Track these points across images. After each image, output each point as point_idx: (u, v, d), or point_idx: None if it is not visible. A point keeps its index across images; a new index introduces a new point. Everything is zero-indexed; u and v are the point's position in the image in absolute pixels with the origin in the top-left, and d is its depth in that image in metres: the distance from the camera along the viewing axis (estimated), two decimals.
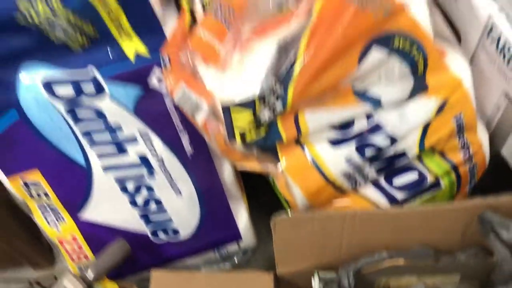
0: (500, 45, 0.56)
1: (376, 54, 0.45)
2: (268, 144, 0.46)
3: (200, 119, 0.44)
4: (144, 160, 0.59)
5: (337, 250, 0.54)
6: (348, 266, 0.53)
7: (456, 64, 0.52)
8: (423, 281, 0.53)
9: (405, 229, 0.52)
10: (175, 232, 0.67)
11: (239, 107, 0.41)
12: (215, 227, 0.68)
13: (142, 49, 0.51)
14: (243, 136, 0.44)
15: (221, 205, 0.66)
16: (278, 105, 0.43)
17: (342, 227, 0.51)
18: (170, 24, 0.50)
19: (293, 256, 0.57)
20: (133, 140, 0.57)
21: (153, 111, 0.55)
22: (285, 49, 0.44)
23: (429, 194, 0.59)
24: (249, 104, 0.41)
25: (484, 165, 0.60)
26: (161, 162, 0.59)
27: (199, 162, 0.60)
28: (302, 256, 0.57)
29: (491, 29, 0.57)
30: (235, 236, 0.70)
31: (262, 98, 0.42)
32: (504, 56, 0.56)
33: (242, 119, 0.42)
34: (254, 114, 0.42)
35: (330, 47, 0.42)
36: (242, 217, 0.69)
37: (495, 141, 0.65)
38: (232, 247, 0.72)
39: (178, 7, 0.51)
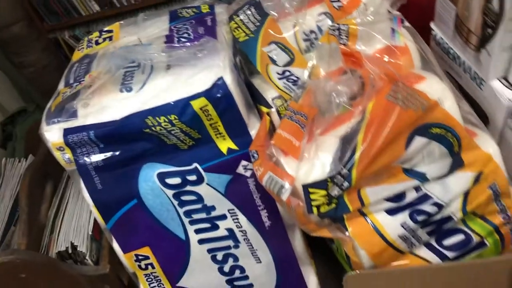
0: None
1: (419, 141, 0.58)
2: (337, 214, 0.58)
3: (284, 197, 0.57)
4: (231, 233, 0.72)
5: None
6: None
7: (485, 143, 0.64)
8: None
9: (456, 284, 0.61)
10: None
11: (315, 187, 0.54)
12: None
13: (233, 145, 0.65)
14: (318, 209, 0.57)
15: (294, 270, 0.77)
16: (345, 184, 0.56)
17: (403, 284, 0.61)
18: (254, 127, 0.65)
19: None
20: (224, 217, 0.70)
21: (239, 193, 0.68)
22: (347, 141, 0.57)
23: (476, 252, 0.68)
24: (323, 184, 0.54)
25: None
26: (245, 234, 0.72)
27: (275, 233, 0.72)
28: None
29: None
30: None
31: (332, 179, 0.55)
32: None
33: (317, 196, 0.55)
34: (327, 191, 0.55)
35: (381, 139, 0.55)
36: (312, 281, 0.79)
37: None
38: None
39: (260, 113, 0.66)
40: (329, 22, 0.71)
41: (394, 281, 0.60)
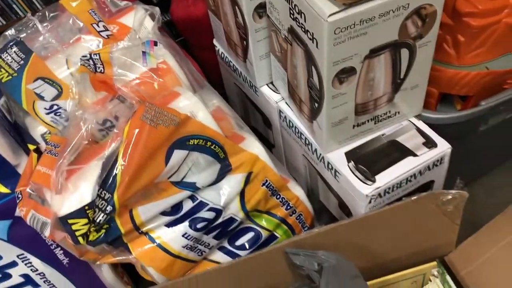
0: (289, 124, 0.76)
1: (179, 154, 0.61)
2: (108, 239, 0.59)
3: (46, 233, 0.57)
4: (28, 279, 0.69)
5: None
6: None
7: (252, 144, 0.69)
8: None
9: (244, 279, 0.65)
10: None
11: (73, 217, 0.55)
12: None
13: (4, 189, 0.63)
14: (86, 238, 0.57)
15: None
16: (109, 208, 0.57)
17: None
18: (23, 165, 0.64)
19: None
20: (14, 264, 0.67)
21: (24, 236, 0.66)
22: (107, 165, 0.58)
23: (271, 246, 0.73)
24: (81, 213, 0.55)
25: (309, 212, 0.76)
26: (43, 276, 0.70)
27: (76, 269, 0.71)
28: None
29: (280, 114, 0.77)
30: None
31: (92, 205, 0.56)
32: (294, 131, 0.75)
33: (79, 225, 0.55)
34: (88, 219, 0.56)
35: (138, 158, 0.57)
36: None
37: (314, 191, 0.82)
38: None
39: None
40: None
41: None
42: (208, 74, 0.85)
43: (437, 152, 0.65)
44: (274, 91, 0.78)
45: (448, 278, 0.67)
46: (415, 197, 0.61)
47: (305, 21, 0.55)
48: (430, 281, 0.69)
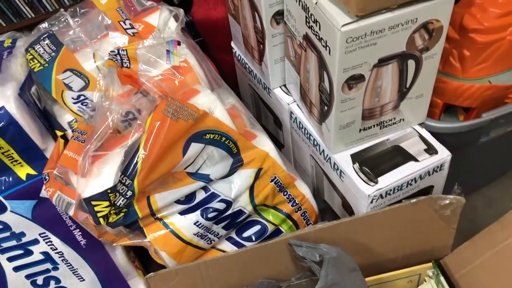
0: (299, 125, 0.80)
1: (195, 147, 0.65)
2: (127, 222, 0.64)
3: (70, 212, 0.61)
4: (48, 256, 0.74)
5: None
6: None
7: (262, 142, 0.73)
8: None
9: (249, 267, 0.69)
10: None
11: (96, 199, 0.59)
12: None
13: (32, 171, 0.68)
14: (107, 220, 0.62)
15: (120, 283, 0.81)
16: (129, 193, 0.61)
17: (202, 275, 0.68)
18: (51, 150, 0.69)
19: None
20: (36, 241, 0.72)
21: (47, 216, 0.71)
22: (129, 153, 0.63)
23: (275, 238, 0.77)
24: (104, 196, 0.59)
25: (313, 209, 0.80)
26: (62, 255, 0.74)
27: (93, 250, 0.76)
28: None
29: (291, 115, 0.81)
30: None
31: (114, 189, 0.60)
32: (303, 132, 0.80)
33: (101, 207, 0.60)
34: (110, 202, 0.60)
35: (157, 149, 0.62)
36: None
37: (319, 190, 0.86)
38: None
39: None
40: None
41: (192, 274, 0.67)
42: (224, 75, 0.89)
43: (437, 159, 0.69)
44: (287, 93, 0.83)
45: (442, 279, 0.70)
46: (414, 200, 0.64)
47: (319, 29, 0.59)
48: (425, 281, 0.73)
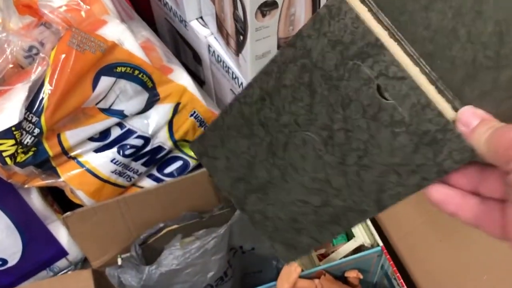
0: (218, 59, 0.78)
1: (106, 81, 0.62)
2: (37, 161, 0.61)
3: None
4: None
5: (128, 232, 0.70)
6: (135, 241, 0.69)
7: (179, 76, 0.72)
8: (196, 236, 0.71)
9: (170, 201, 0.69)
10: (3, 261, 0.77)
11: (1, 137, 0.56)
12: (39, 249, 0.79)
13: None
14: (14, 159, 0.58)
15: (39, 228, 0.78)
16: (36, 130, 0.58)
17: (122, 212, 0.67)
18: None
19: (98, 248, 0.71)
20: None
21: None
22: (34, 89, 0.59)
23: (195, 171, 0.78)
24: (8, 134, 0.56)
25: None
26: None
27: (5, 196, 0.72)
28: (106, 247, 0.71)
29: (209, 48, 0.79)
30: (62, 252, 0.82)
31: (19, 127, 0.57)
32: (222, 66, 0.78)
33: (6, 146, 0.57)
34: (16, 140, 0.57)
35: (64, 82, 0.58)
36: (62, 234, 0.81)
37: None
38: (62, 263, 0.84)
39: None
40: None
41: (112, 211, 0.66)
42: (140, 11, 0.85)
43: None
44: (204, 26, 0.80)
45: None
46: None
47: None
48: None
